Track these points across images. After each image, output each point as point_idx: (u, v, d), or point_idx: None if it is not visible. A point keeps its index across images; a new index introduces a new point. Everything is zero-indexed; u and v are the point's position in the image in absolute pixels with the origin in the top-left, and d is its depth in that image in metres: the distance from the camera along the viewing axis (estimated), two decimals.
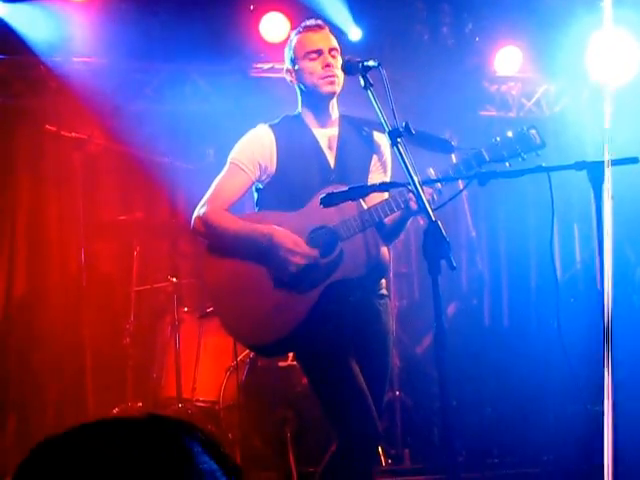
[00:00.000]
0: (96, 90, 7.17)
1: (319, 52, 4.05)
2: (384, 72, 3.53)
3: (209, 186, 4.14)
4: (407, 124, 3.43)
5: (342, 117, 4.22)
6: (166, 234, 7.46)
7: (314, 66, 4.05)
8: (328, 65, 4.01)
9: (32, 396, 7.25)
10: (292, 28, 7.28)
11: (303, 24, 4.18)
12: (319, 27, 4.13)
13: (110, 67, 7.33)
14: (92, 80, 7.20)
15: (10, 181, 7.48)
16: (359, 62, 3.68)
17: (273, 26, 7.35)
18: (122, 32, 6.94)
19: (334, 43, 4.10)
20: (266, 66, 7.69)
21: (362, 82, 3.64)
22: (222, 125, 6.93)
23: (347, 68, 3.84)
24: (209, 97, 7.75)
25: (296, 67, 4.13)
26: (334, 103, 4.16)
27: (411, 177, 3.27)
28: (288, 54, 4.18)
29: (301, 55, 4.10)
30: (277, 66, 7.68)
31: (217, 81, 7.67)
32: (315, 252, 3.93)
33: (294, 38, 4.17)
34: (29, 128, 7.41)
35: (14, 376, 7.23)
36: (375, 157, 4.21)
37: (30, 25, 6.91)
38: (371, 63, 3.67)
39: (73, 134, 6.66)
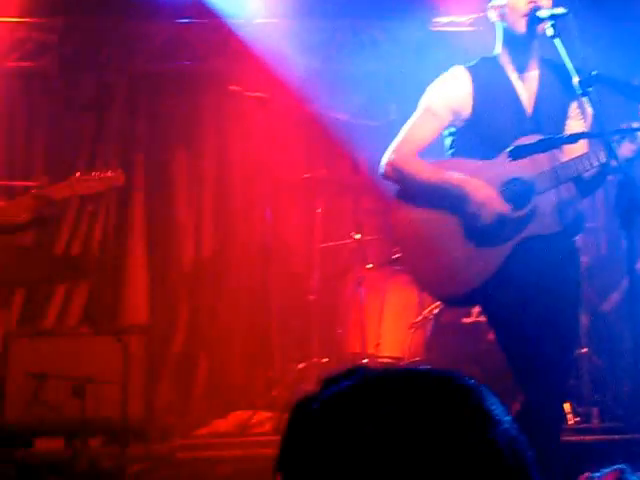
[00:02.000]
0: (277, 50, 7.25)
1: None
2: (573, 20, 3.43)
3: (391, 142, 4.11)
4: (598, 73, 3.32)
5: (542, 60, 4.03)
6: (349, 191, 7.50)
7: (518, 2, 3.85)
8: (533, 2, 3.80)
9: (221, 351, 7.48)
10: None
11: None
12: None
13: (291, 27, 7.40)
14: (273, 41, 7.29)
15: (197, 142, 7.70)
16: (548, 9, 3.59)
17: None
18: None
19: None
20: (445, 20, 7.59)
21: (551, 31, 3.54)
22: (403, 81, 6.89)
23: (534, 16, 3.75)
24: (389, 53, 7.71)
25: (502, 2, 3.94)
26: (536, 45, 3.97)
27: (602, 127, 3.17)
28: None
29: None
30: (456, 20, 7.58)
31: (397, 37, 7.62)
32: (507, 208, 3.83)
33: None
34: (214, 90, 7.58)
35: (204, 332, 7.48)
36: (575, 103, 4.04)
37: None
38: (560, 11, 3.57)
39: (256, 94, 6.77)
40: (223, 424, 6.68)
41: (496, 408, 1.19)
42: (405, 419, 1.14)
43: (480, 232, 3.87)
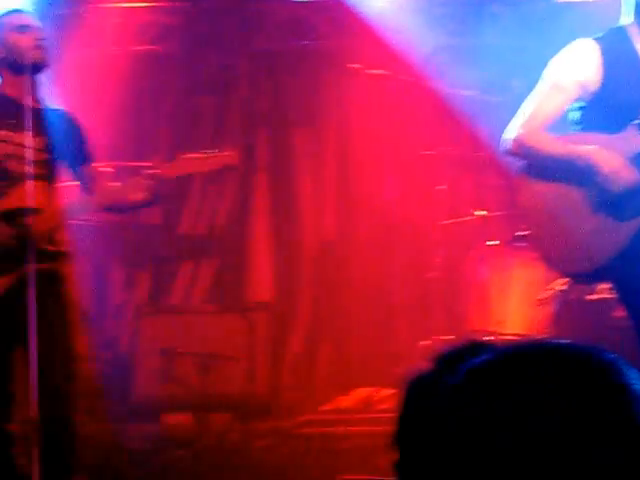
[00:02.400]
0: (398, 26, 7.20)
1: None
2: None
3: (513, 118, 4.05)
4: None
5: None
6: (471, 168, 7.42)
7: None
8: None
9: (344, 328, 7.51)
10: None
11: None
12: None
13: (411, 3, 7.34)
14: (393, 17, 7.24)
15: (319, 121, 7.72)
16: None
17: None
18: None
19: None
20: None
21: None
22: (525, 55, 6.77)
23: None
24: (510, 26, 7.58)
25: None
26: None
27: None
28: None
29: None
30: None
31: (518, 9, 7.49)
32: (637, 174, 3.73)
33: None
34: (334, 68, 7.59)
35: (328, 308, 7.52)
36: None
37: None
38: None
39: (377, 71, 6.75)
40: (346, 401, 6.72)
41: (637, 383, 1.17)
42: (541, 396, 1.13)
43: (609, 206, 3.79)
